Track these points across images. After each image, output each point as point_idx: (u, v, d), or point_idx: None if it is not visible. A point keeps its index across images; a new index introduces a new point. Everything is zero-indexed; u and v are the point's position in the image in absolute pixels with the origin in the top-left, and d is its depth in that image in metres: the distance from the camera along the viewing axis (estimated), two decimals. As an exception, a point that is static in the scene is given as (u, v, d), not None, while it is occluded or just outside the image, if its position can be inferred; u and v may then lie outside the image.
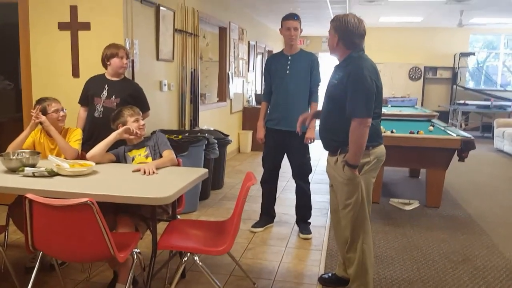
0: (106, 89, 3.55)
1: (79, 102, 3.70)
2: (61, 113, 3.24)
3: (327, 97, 2.74)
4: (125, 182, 2.62)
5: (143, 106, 3.60)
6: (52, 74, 4.26)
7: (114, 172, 2.85)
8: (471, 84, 12.15)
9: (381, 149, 2.70)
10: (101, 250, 2.19)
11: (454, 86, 11.62)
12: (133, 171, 2.79)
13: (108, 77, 3.62)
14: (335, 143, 2.68)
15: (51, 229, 2.20)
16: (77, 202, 2.06)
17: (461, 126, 10.74)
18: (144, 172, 2.74)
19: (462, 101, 11.11)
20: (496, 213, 4.69)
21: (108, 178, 2.70)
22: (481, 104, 10.90)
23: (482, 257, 3.52)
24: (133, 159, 3.10)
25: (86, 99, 3.65)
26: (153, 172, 2.76)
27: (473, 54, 11.72)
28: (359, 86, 2.49)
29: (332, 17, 2.70)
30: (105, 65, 3.61)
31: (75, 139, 3.23)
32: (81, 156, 3.18)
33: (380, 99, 2.62)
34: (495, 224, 4.32)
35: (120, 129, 3.03)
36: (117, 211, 2.77)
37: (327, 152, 2.84)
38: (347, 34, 2.60)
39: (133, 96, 3.60)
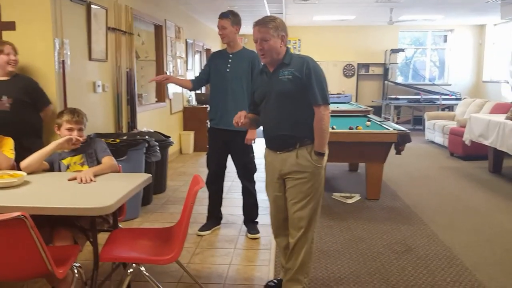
0: None
1: None
2: None
3: (277, 96, 2.62)
4: (61, 192, 2.44)
5: (41, 101, 3.40)
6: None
7: (48, 181, 2.65)
8: (399, 79, 12.70)
9: None
10: (38, 266, 2.02)
11: (386, 82, 12.10)
12: (69, 180, 2.61)
13: None
14: (293, 139, 2.63)
15: (-21, 248, 1.99)
16: (8, 217, 1.87)
17: (393, 120, 11.19)
18: (81, 181, 2.58)
19: (393, 96, 11.59)
20: (432, 203, 4.90)
21: (42, 188, 2.50)
22: (411, 98, 11.42)
23: (423, 247, 3.65)
24: (67, 167, 2.90)
25: None
26: (91, 180, 2.60)
27: (403, 50, 12.25)
28: (320, 74, 2.58)
29: (265, 20, 2.60)
30: None
31: (9, 148, 2.97)
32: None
33: None
34: (433, 213, 4.52)
35: (61, 140, 2.82)
36: (53, 223, 2.57)
37: None
38: (287, 31, 2.65)
39: (27, 92, 3.38)
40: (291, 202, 2.70)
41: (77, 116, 2.93)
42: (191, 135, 8.00)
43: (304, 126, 2.61)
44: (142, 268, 2.37)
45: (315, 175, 2.63)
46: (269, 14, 2.60)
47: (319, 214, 2.74)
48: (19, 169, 2.78)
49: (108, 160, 2.88)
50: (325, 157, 2.67)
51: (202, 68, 4.09)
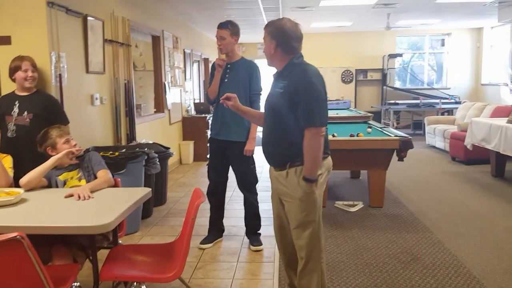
0: (17, 105, 3.30)
1: None
2: None
3: (270, 108, 2.52)
4: (58, 210, 2.38)
5: (60, 119, 3.37)
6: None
7: (45, 199, 2.59)
8: (397, 84, 12.67)
9: (329, 160, 2.57)
10: (36, 288, 1.96)
11: (384, 87, 12.08)
12: (66, 197, 2.55)
13: (17, 92, 3.37)
14: (283, 158, 2.47)
15: (-26, 271, 1.93)
16: (5, 238, 1.82)
17: (393, 125, 11.13)
18: (79, 197, 2.52)
19: (392, 101, 11.55)
20: (436, 209, 4.84)
21: (39, 206, 2.45)
22: (411, 103, 11.38)
23: (429, 255, 3.58)
24: (64, 183, 2.84)
25: None
26: (88, 197, 2.54)
27: (401, 55, 12.24)
28: (310, 94, 2.34)
29: (266, 23, 2.54)
30: (13, 80, 3.37)
31: (8, 166, 2.93)
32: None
33: (327, 106, 2.47)
34: (437, 220, 4.45)
35: (60, 154, 2.77)
36: (51, 241, 2.52)
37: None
38: (285, 39, 2.44)
39: (48, 110, 3.37)
40: (291, 228, 2.56)
41: (63, 127, 2.97)
42: (190, 145, 7.95)
43: (294, 146, 2.40)
44: (143, 287, 2.30)
45: (304, 202, 2.42)
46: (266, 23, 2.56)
47: (321, 243, 2.54)
48: (16, 187, 2.73)
49: (103, 174, 2.82)
50: (321, 181, 2.46)
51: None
